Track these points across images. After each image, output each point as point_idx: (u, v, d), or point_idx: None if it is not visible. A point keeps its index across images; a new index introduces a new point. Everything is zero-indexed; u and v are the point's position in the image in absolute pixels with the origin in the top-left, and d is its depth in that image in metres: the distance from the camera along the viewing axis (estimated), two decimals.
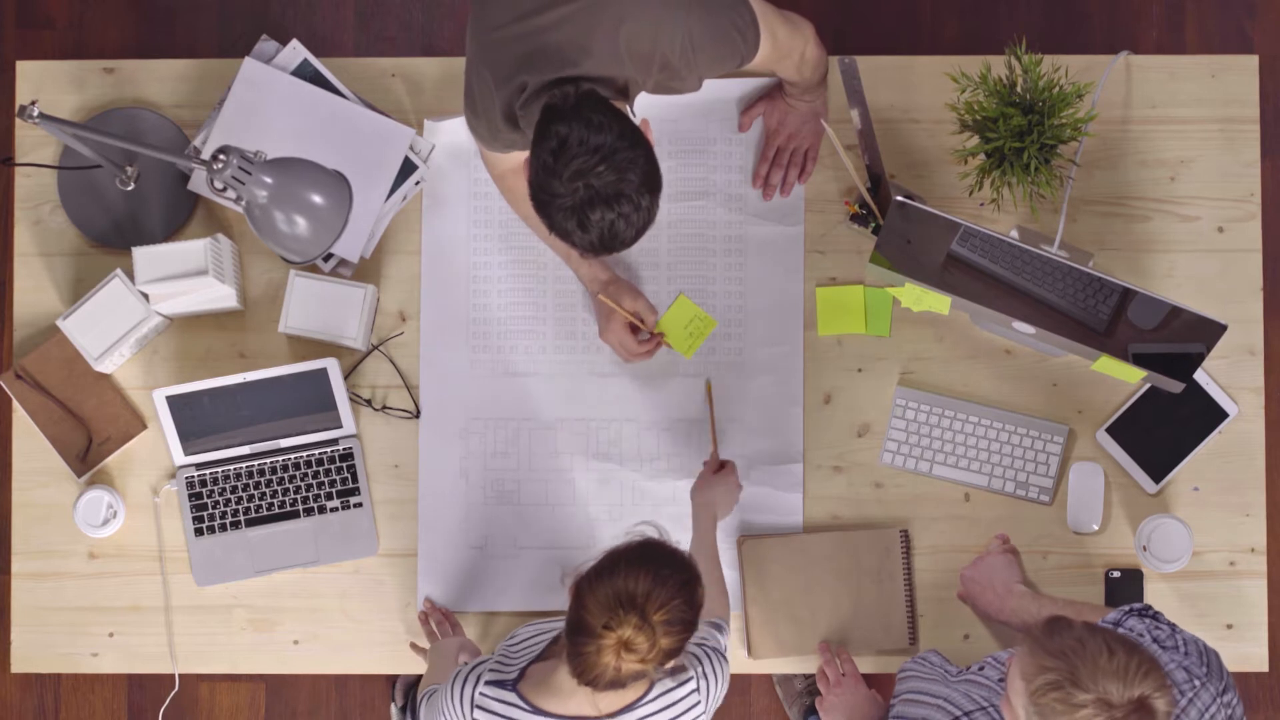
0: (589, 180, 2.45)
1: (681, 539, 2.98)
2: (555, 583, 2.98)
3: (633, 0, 2.55)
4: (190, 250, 2.88)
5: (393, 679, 3.54)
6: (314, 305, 2.95)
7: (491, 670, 2.57)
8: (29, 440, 3.02)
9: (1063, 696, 2.28)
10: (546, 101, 2.51)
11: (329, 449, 3.00)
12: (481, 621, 2.99)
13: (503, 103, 2.61)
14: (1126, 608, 2.62)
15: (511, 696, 2.53)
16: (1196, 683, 2.49)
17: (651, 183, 2.50)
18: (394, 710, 3.51)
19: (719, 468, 2.93)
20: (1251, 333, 3.00)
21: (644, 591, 2.36)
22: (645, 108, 3.02)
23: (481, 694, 2.54)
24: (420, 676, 3.46)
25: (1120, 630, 2.58)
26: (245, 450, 2.99)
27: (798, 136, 2.99)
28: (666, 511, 2.99)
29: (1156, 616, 2.60)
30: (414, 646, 2.96)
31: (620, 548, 2.43)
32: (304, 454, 2.99)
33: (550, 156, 2.48)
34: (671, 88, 2.68)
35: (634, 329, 2.97)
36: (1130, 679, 2.26)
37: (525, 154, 2.72)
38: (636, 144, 2.48)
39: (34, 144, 3.06)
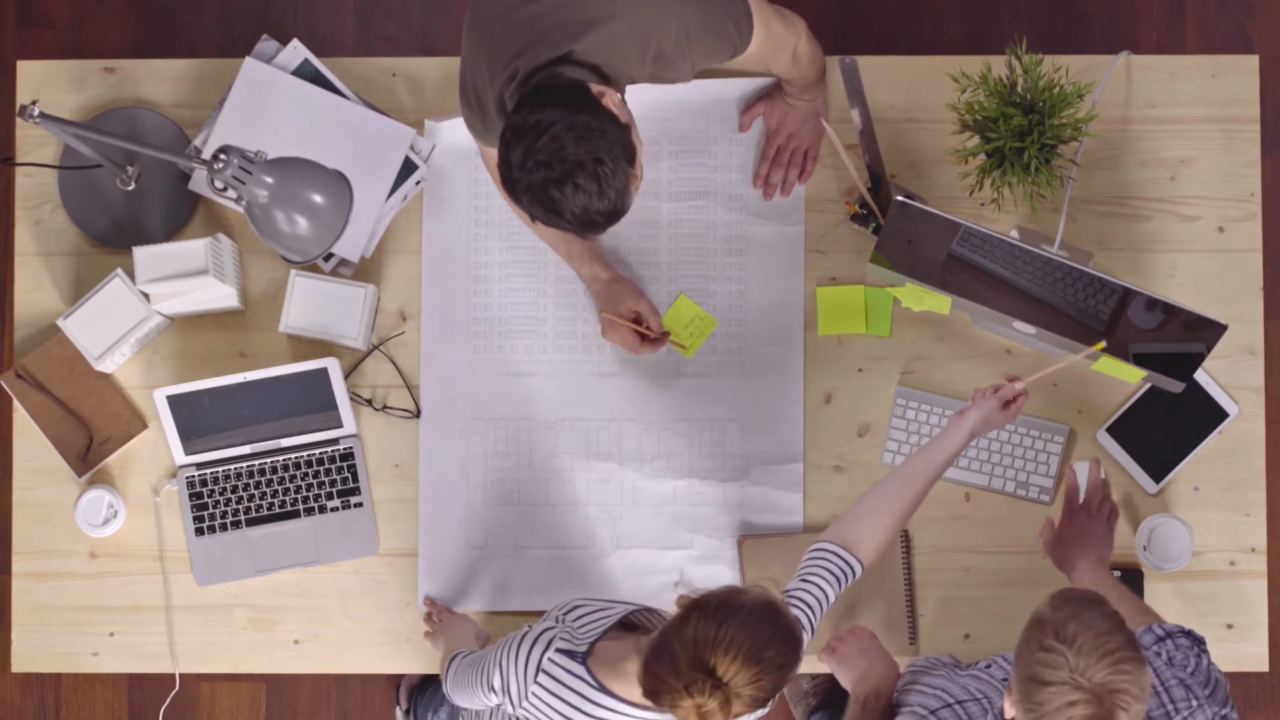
0: (538, 158, 2.44)
1: (687, 539, 2.98)
2: (555, 582, 2.98)
3: None
4: (191, 250, 2.88)
5: (397, 680, 3.54)
6: (314, 305, 2.95)
7: (563, 639, 2.52)
8: (29, 440, 3.02)
9: (1039, 635, 2.26)
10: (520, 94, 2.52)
11: (329, 449, 3.00)
12: (481, 621, 2.99)
13: (496, 93, 2.61)
14: (1183, 629, 2.57)
15: (579, 669, 2.48)
16: (1194, 702, 2.47)
17: (610, 148, 2.46)
18: (399, 713, 3.50)
19: (1010, 399, 2.71)
20: (1251, 333, 3.00)
21: (739, 663, 2.28)
22: (645, 105, 3.02)
23: (550, 659, 2.49)
24: (424, 677, 3.46)
25: (1168, 643, 2.55)
26: (246, 450, 2.99)
27: (798, 136, 2.99)
28: (666, 511, 2.99)
29: (1203, 648, 2.55)
30: (428, 635, 2.96)
31: (743, 597, 2.34)
32: (304, 454, 2.99)
33: (504, 146, 2.48)
34: (664, 78, 2.67)
35: (639, 332, 2.97)
36: (1105, 664, 2.23)
37: None
38: (584, 111, 2.45)
39: (34, 144, 3.06)
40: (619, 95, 2.55)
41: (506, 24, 2.57)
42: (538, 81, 2.51)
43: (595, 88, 2.50)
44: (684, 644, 2.30)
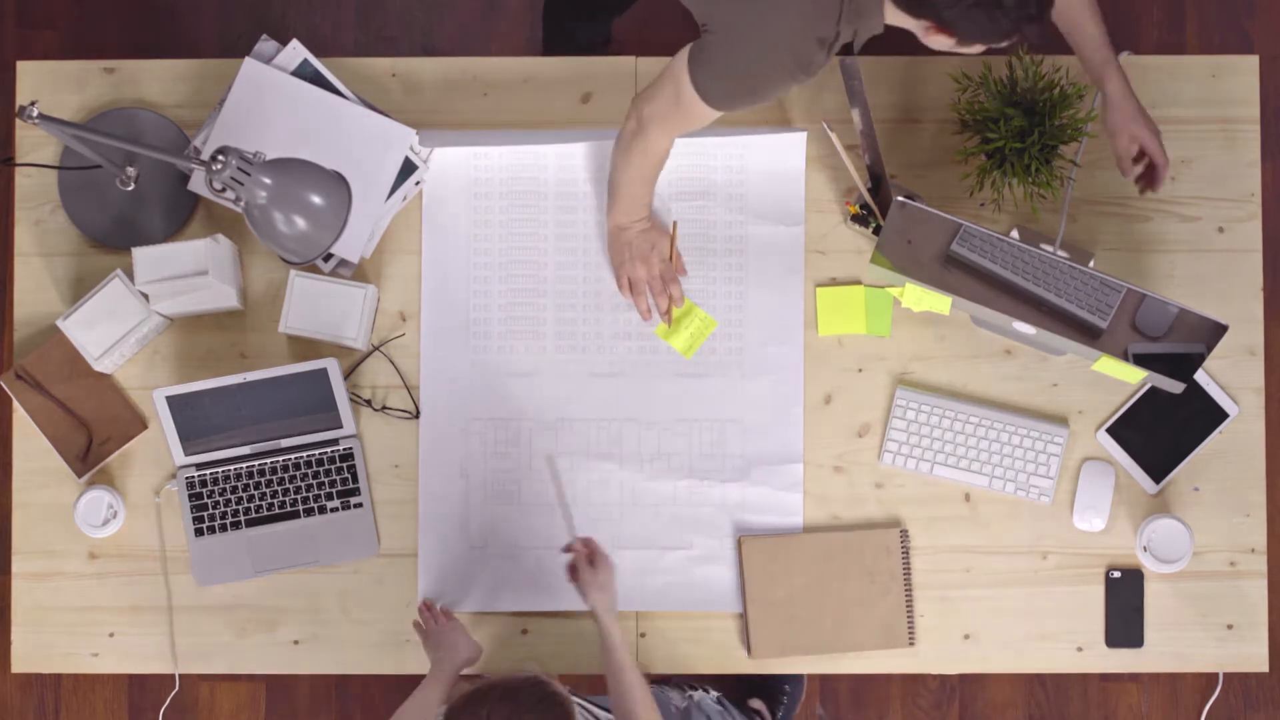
0: None
1: (687, 539, 2.98)
2: (555, 583, 2.98)
3: None
4: (190, 250, 2.88)
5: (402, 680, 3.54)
6: (314, 305, 2.95)
7: None
8: (29, 440, 3.02)
9: None
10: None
11: (329, 449, 3.00)
12: (481, 621, 2.99)
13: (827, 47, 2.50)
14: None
15: None
16: None
17: None
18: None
19: (589, 556, 2.85)
20: (1251, 333, 3.00)
21: None
22: None
23: None
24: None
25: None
26: (245, 450, 2.99)
27: (1139, 136, 2.83)
28: (666, 511, 2.99)
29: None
30: (416, 625, 2.94)
31: (498, 682, 2.46)
32: (304, 454, 2.99)
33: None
34: (861, 31, 2.55)
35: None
36: None
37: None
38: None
39: (34, 144, 3.06)
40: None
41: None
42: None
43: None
44: None
